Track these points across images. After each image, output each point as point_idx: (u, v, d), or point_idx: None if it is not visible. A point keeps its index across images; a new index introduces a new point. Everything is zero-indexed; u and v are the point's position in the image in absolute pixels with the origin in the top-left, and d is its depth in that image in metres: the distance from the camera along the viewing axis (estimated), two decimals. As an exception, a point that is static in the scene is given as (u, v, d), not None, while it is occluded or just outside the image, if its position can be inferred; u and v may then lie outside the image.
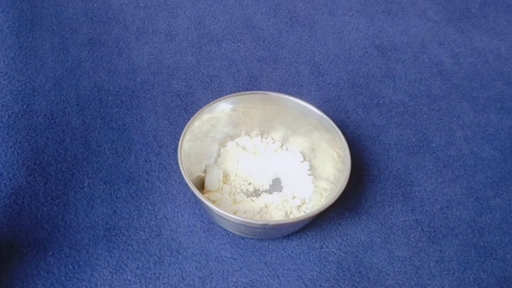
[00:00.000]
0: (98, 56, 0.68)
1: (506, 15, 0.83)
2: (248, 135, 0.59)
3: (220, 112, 0.56)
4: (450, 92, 0.70)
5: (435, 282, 0.51)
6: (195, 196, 0.48)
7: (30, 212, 0.52)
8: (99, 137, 0.59)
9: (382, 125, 0.65)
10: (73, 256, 0.49)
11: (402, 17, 0.80)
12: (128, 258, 0.50)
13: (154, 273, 0.49)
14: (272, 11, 0.79)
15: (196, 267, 0.50)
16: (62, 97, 0.62)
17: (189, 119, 0.53)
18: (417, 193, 0.58)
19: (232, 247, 0.52)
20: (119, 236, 0.51)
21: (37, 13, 0.72)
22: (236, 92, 0.61)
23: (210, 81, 0.67)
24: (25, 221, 0.51)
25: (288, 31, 0.76)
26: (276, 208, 0.54)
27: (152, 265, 0.50)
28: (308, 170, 0.57)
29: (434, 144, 0.64)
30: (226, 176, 0.56)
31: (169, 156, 0.59)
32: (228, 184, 0.56)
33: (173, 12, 0.76)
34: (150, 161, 0.58)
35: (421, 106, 0.68)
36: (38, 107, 0.61)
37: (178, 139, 0.51)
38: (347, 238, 0.54)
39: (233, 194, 0.55)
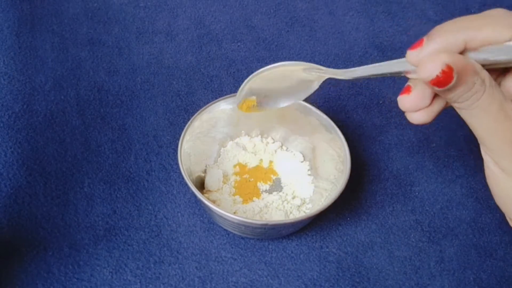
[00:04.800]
0: (98, 56, 0.68)
1: (506, 15, 0.83)
2: (248, 135, 0.59)
3: (220, 112, 0.56)
4: (450, 92, 0.70)
5: (435, 282, 0.51)
6: (195, 196, 0.48)
7: (30, 212, 0.52)
8: (99, 137, 0.59)
9: (382, 125, 0.65)
10: (73, 256, 0.49)
11: (402, 17, 0.80)
12: (128, 258, 0.50)
13: (154, 273, 0.49)
14: (272, 11, 0.79)
15: (196, 267, 0.50)
16: (62, 97, 0.62)
17: (189, 119, 0.53)
18: (417, 193, 0.58)
19: (232, 247, 0.52)
20: (119, 236, 0.51)
21: (37, 13, 0.72)
22: (236, 92, 0.61)
23: (210, 81, 0.67)
24: (25, 221, 0.51)
25: (288, 31, 0.76)
26: (276, 208, 0.54)
27: (152, 265, 0.50)
28: (308, 170, 0.57)
29: (434, 144, 0.64)
30: (226, 176, 0.56)
31: (169, 156, 0.59)
32: (228, 184, 0.56)
33: (173, 12, 0.76)
34: (150, 161, 0.58)
35: (421, 106, 0.68)
36: (38, 107, 0.61)
37: (178, 139, 0.51)
38: (347, 238, 0.54)
39: (233, 194, 0.55)
